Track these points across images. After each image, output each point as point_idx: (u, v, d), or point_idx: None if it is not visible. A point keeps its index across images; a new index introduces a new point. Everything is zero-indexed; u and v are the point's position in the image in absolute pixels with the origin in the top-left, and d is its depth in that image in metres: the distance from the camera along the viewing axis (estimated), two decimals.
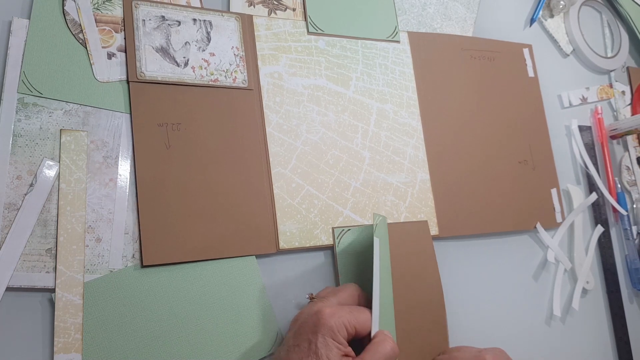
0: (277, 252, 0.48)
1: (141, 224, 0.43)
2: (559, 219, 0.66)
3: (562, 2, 0.75)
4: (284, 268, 0.49)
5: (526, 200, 0.63)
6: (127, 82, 0.46)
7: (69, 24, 0.45)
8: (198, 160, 0.47)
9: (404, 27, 0.62)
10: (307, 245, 0.49)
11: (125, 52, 0.47)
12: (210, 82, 0.49)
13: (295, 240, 0.49)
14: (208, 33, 0.50)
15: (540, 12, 0.74)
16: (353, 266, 0.50)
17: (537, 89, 0.70)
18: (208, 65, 0.50)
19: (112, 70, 0.46)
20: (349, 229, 0.51)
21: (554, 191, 0.66)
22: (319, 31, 0.56)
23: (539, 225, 0.63)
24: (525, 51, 0.70)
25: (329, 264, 0.51)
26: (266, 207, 0.49)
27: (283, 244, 0.48)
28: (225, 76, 0.50)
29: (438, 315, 0.51)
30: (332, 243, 0.50)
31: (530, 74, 0.70)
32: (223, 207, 0.47)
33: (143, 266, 0.43)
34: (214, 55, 0.50)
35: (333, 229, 0.51)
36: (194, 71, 0.49)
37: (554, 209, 0.66)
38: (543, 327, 0.62)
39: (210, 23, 0.51)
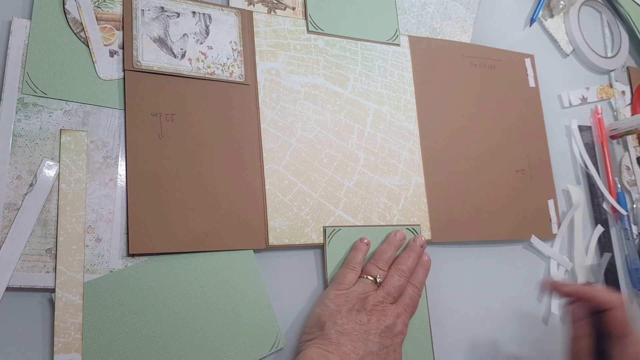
0: (266, 248, 0.48)
1: (129, 212, 0.43)
2: (554, 230, 0.65)
3: (562, 2, 0.75)
4: (273, 264, 0.49)
5: (522, 209, 0.63)
6: (123, 70, 0.46)
7: (70, 23, 0.45)
8: (191, 151, 0.47)
9: (403, 26, 0.62)
10: (297, 242, 0.49)
11: (123, 40, 0.47)
12: (206, 75, 0.49)
13: (285, 237, 0.49)
14: (207, 26, 0.51)
15: (540, 12, 0.74)
16: None
17: (537, 99, 0.69)
18: (205, 58, 0.50)
19: (114, 68, 0.46)
20: (340, 229, 0.51)
21: (550, 202, 0.65)
22: (319, 30, 0.56)
23: (534, 238, 0.62)
24: (527, 61, 0.70)
25: (318, 263, 0.51)
26: (257, 202, 0.48)
27: (272, 240, 0.48)
28: (222, 70, 0.50)
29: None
30: (322, 242, 0.50)
31: (531, 83, 0.70)
32: (214, 200, 0.47)
33: (129, 254, 0.43)
34: (211, 48, 0.50)
35: (324, 228, 0.51)
36: (190, 63, 0.49)
37: (550, 220, 0.65)
38: (542, 327, 0.62)
39: (209, 17, 0.51)
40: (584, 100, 0.75)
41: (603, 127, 0.74)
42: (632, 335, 0.46)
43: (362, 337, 0.44)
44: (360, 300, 0.46)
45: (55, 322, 0.39)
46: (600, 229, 0.69)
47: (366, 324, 0.45)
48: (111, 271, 0.42)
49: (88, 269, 0.41)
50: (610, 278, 0.68)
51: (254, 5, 0.54)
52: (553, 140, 0.69)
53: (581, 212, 0.68)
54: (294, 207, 0.50)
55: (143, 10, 0.48)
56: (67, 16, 0.45)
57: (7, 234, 0.39)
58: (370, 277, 0.48)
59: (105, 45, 0.46)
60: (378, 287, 0.48)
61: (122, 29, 0.47)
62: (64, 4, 0.46)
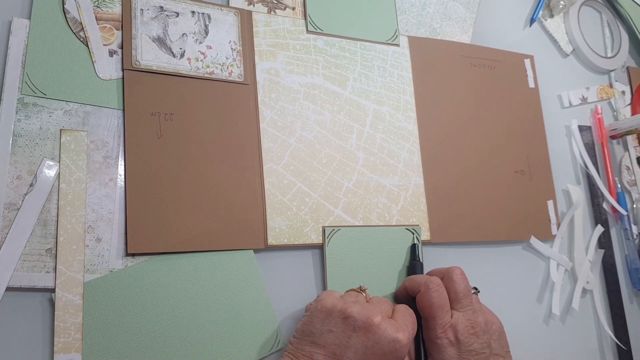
0: (265, 248, 0.48)
1: (128, 211, 0.43)
2: (554, 231, 0.65)
3: (562, 2, 0.75)
4: (272, 264, 0.49)
5: (521, 210, 0.63)
6: (122, 69, 0.46)
7: (69, 23, 0.45)
8: (190, 151, 0.47)
9: (403, 26, 0.62)
10: (296, 242, 0.49)
11: (122, 39, 0.47)
12: (205, 75, 0.49)
13: (284, 237, 0.49)
14: (206, 26, 0.51)
15: (540, 12, 0.74)
16: (342, 267, 0.50)
17: (537, 100, 0.69)
18: (204, 57, 0.50)
19: (113, 68, 0.46)
20: (340, 229, 0.51)
21: (550, 203, 0.65)
22: (318, 30, 0.56)
23: (533, 239, 0.62)
24: (527, 61, 0.70)
25: (317, 263, 0.51)
26: (256, 202, 0.48)
27: (272, 240, 0.48)
28: (221, 69, 0.50)
29: None
30: (321, 242, 0.50)
31: (531, 84, 0.69)
32: (213, 200, 0.47)
33: (127, 254, 0.43)
34: (210, 48, 0.50)
35: (323, 228, 0.51)
36: (189, 63, 0.49)
37: (549, 220, 0.65)
38: (543, 327, 0.62)
39: (208, 16, 0.51)
40: (584, 100, 0.75)
41: (603, 127, 0.74)
42: (436, 319, 0.46)
43: (338, 352, 0.41)
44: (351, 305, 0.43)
45: (55, 322, 0.39)
46: (600, 229, 0.69)
47: (350, 337, 0.41)
48: (111, 271, 0.42)
49: (88, 269, 0.41)
50: (610, 278, 0.68)
51: (254, 5, 0.54)
52: (553, 141, 0.69)
53: (581, 212, 0.68)
54: (293, 207, 0.50)
55: (142, 9, 0.48)
56: (67, 16, 0.45)
57: (7, 234, 0.39)
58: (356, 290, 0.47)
59: (104, 45, 0.46)
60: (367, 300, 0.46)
61: (122, 28, 0.47)
62: (63, 3, 0.46)
